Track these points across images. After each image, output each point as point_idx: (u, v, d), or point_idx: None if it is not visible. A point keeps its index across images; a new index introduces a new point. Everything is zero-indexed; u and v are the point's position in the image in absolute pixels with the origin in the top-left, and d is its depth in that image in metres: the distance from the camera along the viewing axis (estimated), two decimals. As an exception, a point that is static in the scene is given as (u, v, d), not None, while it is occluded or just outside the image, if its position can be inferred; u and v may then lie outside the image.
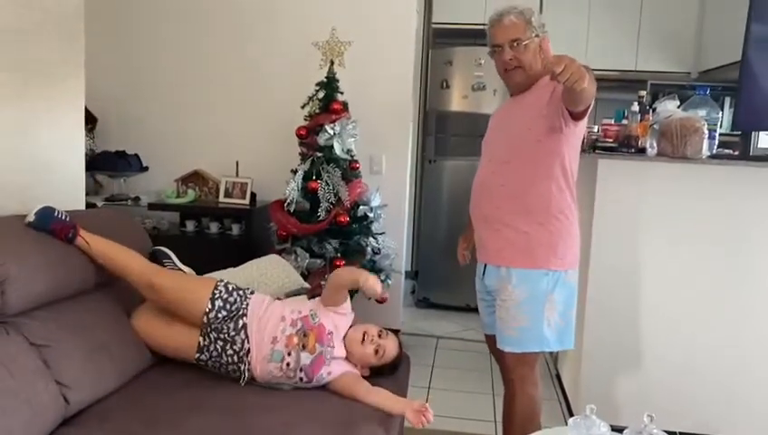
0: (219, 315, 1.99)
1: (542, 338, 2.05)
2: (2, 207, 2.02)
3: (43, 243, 1.87)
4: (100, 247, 1.99)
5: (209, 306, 1.98)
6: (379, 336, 2.07)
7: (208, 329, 1.98)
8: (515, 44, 2.02)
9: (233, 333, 1.97)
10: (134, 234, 2.35)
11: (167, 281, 2.03)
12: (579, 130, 2.02)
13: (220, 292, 2.03)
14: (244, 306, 2.02)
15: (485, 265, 2.18)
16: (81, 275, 1.98)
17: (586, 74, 1.65)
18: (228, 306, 2.01)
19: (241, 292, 2.07)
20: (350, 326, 2.10)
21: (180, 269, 2.26)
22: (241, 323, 1.99)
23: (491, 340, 2.23)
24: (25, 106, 2.15)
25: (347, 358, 2.04)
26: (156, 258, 2.24)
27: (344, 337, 2.06)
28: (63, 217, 1.94)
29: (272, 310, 2.05)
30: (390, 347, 2.09)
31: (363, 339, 2.04)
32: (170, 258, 2.28)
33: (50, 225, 1.90)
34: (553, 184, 2.02)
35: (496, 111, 2.30)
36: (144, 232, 2.51)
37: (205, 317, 1.98)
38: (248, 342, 1.97)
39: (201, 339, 1.99)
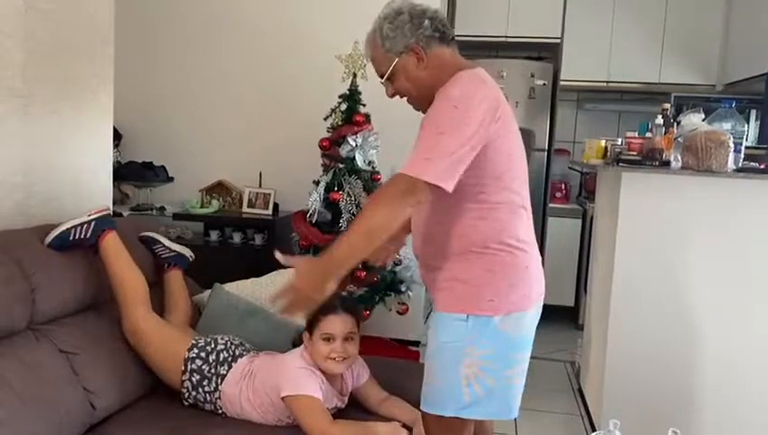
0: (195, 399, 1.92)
1: (460, 401, 1.55)
2: (31, 216, 2.08)
3: (70, 252, 1.91)
4: (111, 260, 1.97)
5: (182, 392, 1.91)
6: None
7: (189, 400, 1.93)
8: (385, 79, 1.63)
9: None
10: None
11: (143, 339, 1.94)
12: (492, 151, 1.51)
13: (188, 377, 1.89)
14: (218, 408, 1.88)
15: None
16: (106, 285, 2.00)
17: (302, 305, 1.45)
18: (201, 398, 1.90)
19: (212, 384, 1.88)
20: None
21: (174, 251, 2.26)
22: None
23: None
24: (55, 118, 2.21)
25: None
26: (145, 244, 2.24)
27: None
28: (81, 238, 1.93)
29: (248, 410, 1.85)
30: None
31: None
32: (160, 242, 2.27)
33: (65, 247, 1.91)
34: (466, 215, 1.56)
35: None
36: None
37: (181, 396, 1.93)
38: None
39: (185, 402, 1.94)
